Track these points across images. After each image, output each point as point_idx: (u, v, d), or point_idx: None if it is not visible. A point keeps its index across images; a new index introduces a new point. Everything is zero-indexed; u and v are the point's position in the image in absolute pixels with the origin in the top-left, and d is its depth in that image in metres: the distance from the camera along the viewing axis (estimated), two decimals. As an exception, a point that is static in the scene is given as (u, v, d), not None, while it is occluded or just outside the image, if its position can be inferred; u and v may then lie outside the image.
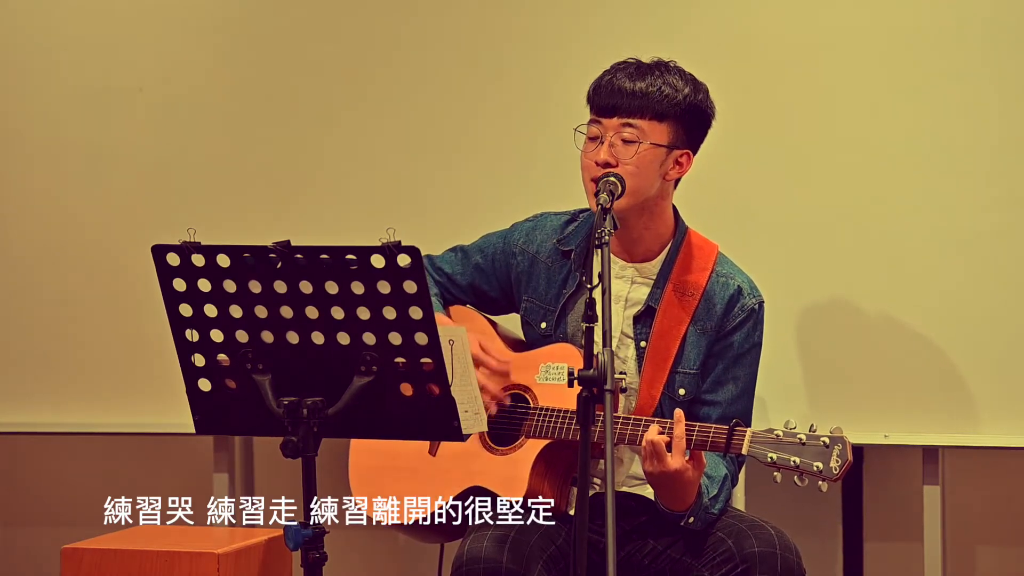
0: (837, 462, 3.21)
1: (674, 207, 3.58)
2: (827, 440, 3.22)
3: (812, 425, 3.25)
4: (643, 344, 3.52)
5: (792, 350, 3.99)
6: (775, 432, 3.25)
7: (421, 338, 2.91)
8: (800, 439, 3.23)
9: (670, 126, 3.46)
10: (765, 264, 3.92)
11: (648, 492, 3.53)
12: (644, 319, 3.53)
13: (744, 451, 3.27)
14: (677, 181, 3.54)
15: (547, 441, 3.48)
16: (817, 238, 4.00)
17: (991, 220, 3.90)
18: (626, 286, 3.55)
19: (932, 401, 3.94)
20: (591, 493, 3.35)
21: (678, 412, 3.32)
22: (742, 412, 3.53)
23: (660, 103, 3.44)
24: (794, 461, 3.23)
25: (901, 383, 3.96)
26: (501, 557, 3.33)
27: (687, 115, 3.47)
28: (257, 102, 4.36)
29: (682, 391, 3.51)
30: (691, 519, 3.39)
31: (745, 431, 3.27)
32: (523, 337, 3.69)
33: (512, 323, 3.73)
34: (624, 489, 3.55)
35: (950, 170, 3.92)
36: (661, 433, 3.29)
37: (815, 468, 3.21)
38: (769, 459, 3.24)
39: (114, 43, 4.42)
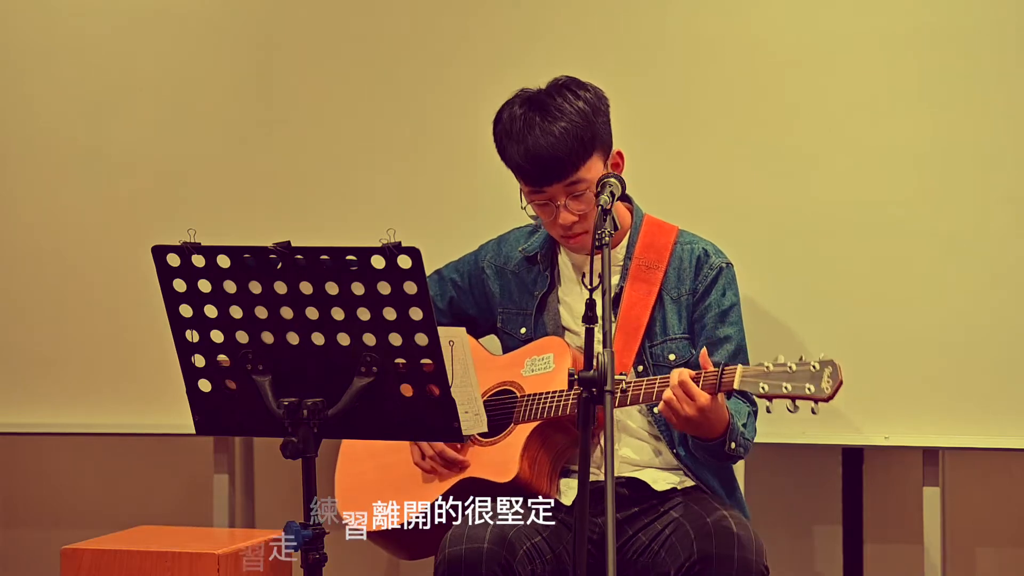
0: (828, 383, 3.22)
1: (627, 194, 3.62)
2: (816, 365, 3.23)
3: (801, 356, 3.27)
4: (616, 318, 3.56)
5: (792, 351, 3.98)
6: (764, 364, 3.27)
7: (421, 339, 2.91)
8: (790, 367, 3.24)
9: (599, 151, 3.51)
10: (765, 264, 3.92)
11: (644, 476, 3.55)
12: (618, 301, 3.59)
13: (736, 386, 3.28)
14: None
15: (536, 423, 3.49)
16: (817, 238, 3.99)
17: (992, 221, 3.90)
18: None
19: (932, 402, 3.94)
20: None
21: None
22: None
23: (584, 140, 3.46)
24: (786, 387, 3.23)
25: (901, 384, 3.96)
26: (483, 538, 3.35)
27: (602, 125, 3.51)
28: (258, 102, 4.36)
29: (672, 356, 3.57)
30: (732, 444, 3.40)
31: (735, 368, 3.29)
32: (501, 352, 3.72)
33: (491, 346, 3.75)
34: (618, 474, 3.55)
35: (950, 170, 3.92)
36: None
37: (807, 390, 3.21)
38: (761, 389, 3.25)
39: (114, 43, 4.42)
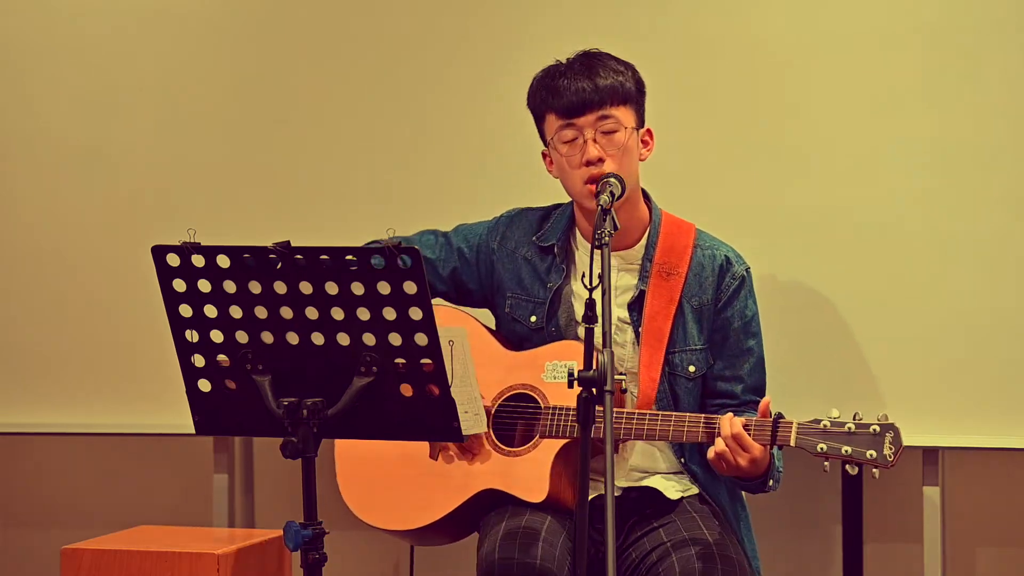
0: (891, 448, 3.22)
1: (644, 190, 3.61)
2: (877, 428, 3.23)
3: (856, 413, 3.26)
4: (640, 329, 3.53)
5: (792, 350, 3.98)
6: (821, 423, 3.26)
7: (421, 339, 2.91)
8: (849, 428, 3.24)
9: (632, 108, 3.52)
10: (764, 263, 3.92)
11: (651, 482, 3.54)
12: (637, 304, 3.56)
13: (792, 443, 3.28)
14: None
15: (564, 441, 3.47)
16: (817, 238, 3.99)
17: (992, 221, 3.90)
18: (613, 275, 3.56)
19: (932, 402, 3.94)
20: (595, 494, 3.36)
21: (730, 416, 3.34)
22: (760, 382, 3.58)
23: (621, 89, 3.50)
24: (845, 451, 3.23)
25: (901, 383, 3.96)
26: (535, 555, 3.32)
27: (638, 94, 3.54)
28: (257, 102, 4.35)
29: (692, 368, 3.54)
30: (771, 482, 3.42)
31: (791, 424, 3.28)
32: (495, 328, 3.70)
33: (484, 318, 3.75)
34: (628, 484, 3.54)
35: (951, 170, 3.92)
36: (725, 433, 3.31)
37: (868, 456, 3.22)
38: (819, 450, 3.24)
39: (114, 43, 4.42)
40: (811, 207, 4.00)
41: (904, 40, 3.93)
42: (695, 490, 3.57)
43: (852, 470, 3.25)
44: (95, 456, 4.74)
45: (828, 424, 3.25)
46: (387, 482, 3.59)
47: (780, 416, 3.30)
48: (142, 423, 4.40)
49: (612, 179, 3.38)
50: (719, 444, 3.30)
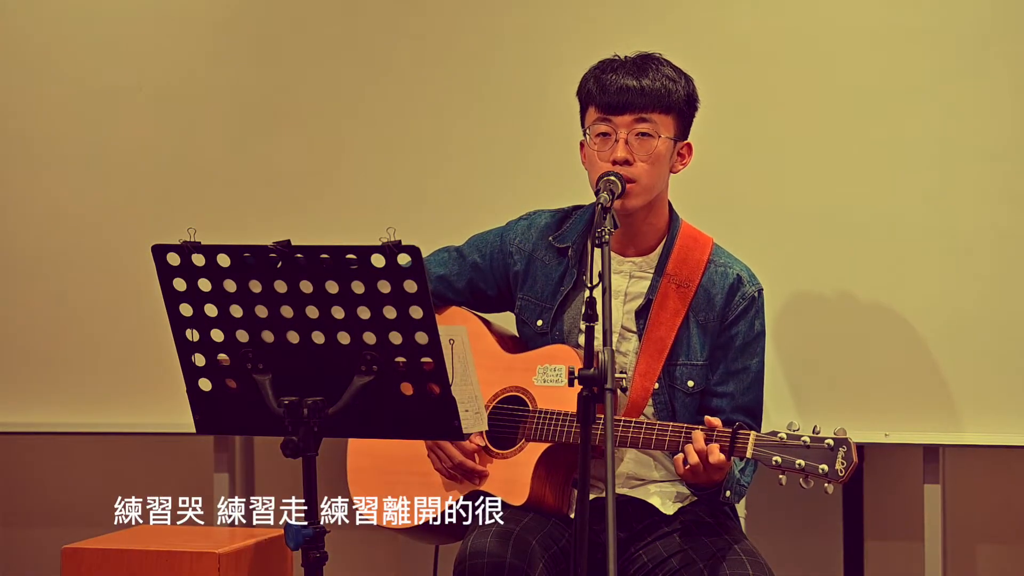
0: (842, 464, 3.20)
1: (668, 200, 3.59)
2: (831, 442, 3.21)
3: (815, 427, 3.25)
4: (643, 337, 3.52)
5: (793, 349, 3.99)
6: (779, 435, 3.25)
7: (421, 337, 2.90)
8: (804, 442, 3.23)
9: (674, 118, 3.49)
10: (765, 262, 3.91)
11: (645, 494, 3.54)
12: (645, 312, 3.54)
13: (748, 454, 3.26)
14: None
15: (548, 445, 3.47)
16: (818, 237, 4.00)
17: (993, 219, 3.90)
18: (625, 280, 3.55)
19: (932, 400, 3.94)
20: (592, 496, 3.35)
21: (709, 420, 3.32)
22: (753, 402, 3.54)
23: (667, 96, 3.46)
24: (799, 464, 3.22)
25: (901, 382, 3.96)
26: (505, 552, 3.33)
27: (686, 106, 3.51)
28: (257, 102, 4.36)
29: (691, 383, 3.52)
30: (727, 492, 3.40)
31: (749, 435, 3.27)
32: (516, 333, 3.69)
33: (505, 321, 3.73)
34: (623, 491, 3.54)
35: (952, 169, 3.92)
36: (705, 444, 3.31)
37: (820, 470, 3.21)
38: (774, 462, 3.24)
39: (114, 43, 4.43)
40: (811, 206, 4.00)
41: (909, 39, 3.93)
42: (694, 498, 3.55)
43: (806, 484, 3.24)
44: (95, 456, 4.74)
45: (785, 437, 3.25)
46: (392, 479, 3.60)
47: (740, 427, 3.30)
48: (142, 422, 4.40)
49: (612, 177, 3.37)
50: (693, 458, 3.28)
